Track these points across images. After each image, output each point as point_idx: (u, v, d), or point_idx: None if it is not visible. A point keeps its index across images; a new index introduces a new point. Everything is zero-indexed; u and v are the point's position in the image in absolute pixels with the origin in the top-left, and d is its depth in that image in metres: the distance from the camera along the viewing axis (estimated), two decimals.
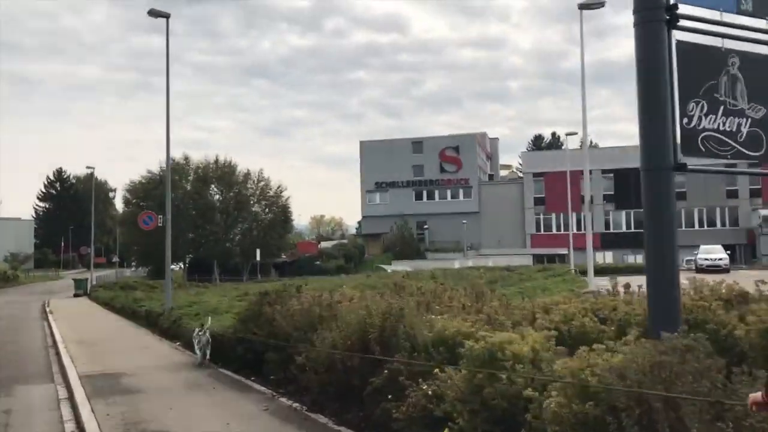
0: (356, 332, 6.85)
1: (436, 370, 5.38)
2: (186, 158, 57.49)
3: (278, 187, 58.06)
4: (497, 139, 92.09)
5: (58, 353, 13.79)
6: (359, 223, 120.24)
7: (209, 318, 12.03)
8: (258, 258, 46.87)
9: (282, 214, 57.71)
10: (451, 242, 72.20)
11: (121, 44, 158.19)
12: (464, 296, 9.00)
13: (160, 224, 16.99)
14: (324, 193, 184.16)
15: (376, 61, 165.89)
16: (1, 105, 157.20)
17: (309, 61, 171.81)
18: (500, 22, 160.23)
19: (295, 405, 7.81)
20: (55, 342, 15.73)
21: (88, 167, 40.64)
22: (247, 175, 57.19)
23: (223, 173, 55.95)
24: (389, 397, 5.88)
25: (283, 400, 8.18)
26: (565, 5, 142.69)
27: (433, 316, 6.69)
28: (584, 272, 39.36)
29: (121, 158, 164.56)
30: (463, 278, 32.59)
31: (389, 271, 51.97)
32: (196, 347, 11.22)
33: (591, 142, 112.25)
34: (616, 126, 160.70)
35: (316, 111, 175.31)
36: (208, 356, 10.83)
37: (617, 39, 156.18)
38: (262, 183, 57.66)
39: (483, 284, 14.39)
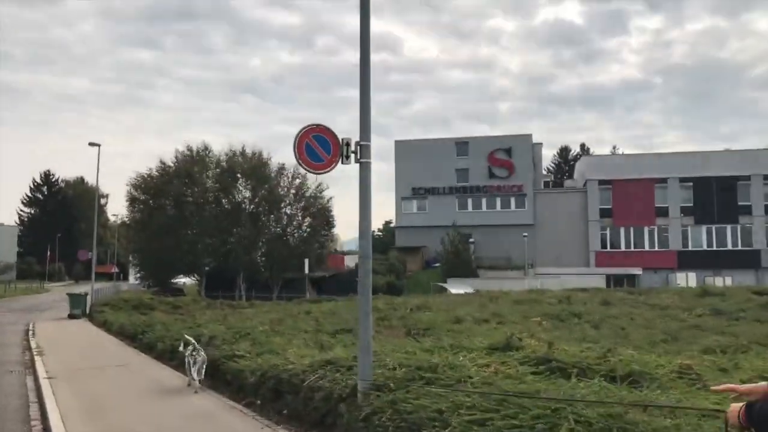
0: None
1: None
2: (206, 147, 46.97)
3: (318, 186, 47.31)
4: (541, 144, 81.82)
5: None
6: (376, 232, 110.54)
7: None
8: (307, 271, 36.31)
9: (323, 220, 47.05)
10: (500, 258, 62.18)
11: (109, 57, 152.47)
12: None
13: (352, 158, 6.52)
14: None
15: None
16: None
17: (298, 78, 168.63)
18: (490, 44, 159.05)
19: None
20: None
21: (91, 144, 30.17)
22: (281, 169, 46.54)
23: (253, 166, 45.41)
24: None
25: None
26: (553, 30, 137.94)
27: None
28: None
29: (110, 171, 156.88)
30: (643, 308, 22.52)
31: (453, 291, 41.99)
32: (191, 370, 9.86)
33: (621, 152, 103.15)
34: (605, 149, 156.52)
35: None
36: (202, 375, 9.91)
37: (605, 64, 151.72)
38: (298, 180, 46.87)
39: None
